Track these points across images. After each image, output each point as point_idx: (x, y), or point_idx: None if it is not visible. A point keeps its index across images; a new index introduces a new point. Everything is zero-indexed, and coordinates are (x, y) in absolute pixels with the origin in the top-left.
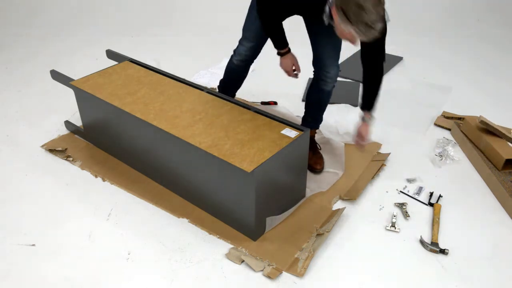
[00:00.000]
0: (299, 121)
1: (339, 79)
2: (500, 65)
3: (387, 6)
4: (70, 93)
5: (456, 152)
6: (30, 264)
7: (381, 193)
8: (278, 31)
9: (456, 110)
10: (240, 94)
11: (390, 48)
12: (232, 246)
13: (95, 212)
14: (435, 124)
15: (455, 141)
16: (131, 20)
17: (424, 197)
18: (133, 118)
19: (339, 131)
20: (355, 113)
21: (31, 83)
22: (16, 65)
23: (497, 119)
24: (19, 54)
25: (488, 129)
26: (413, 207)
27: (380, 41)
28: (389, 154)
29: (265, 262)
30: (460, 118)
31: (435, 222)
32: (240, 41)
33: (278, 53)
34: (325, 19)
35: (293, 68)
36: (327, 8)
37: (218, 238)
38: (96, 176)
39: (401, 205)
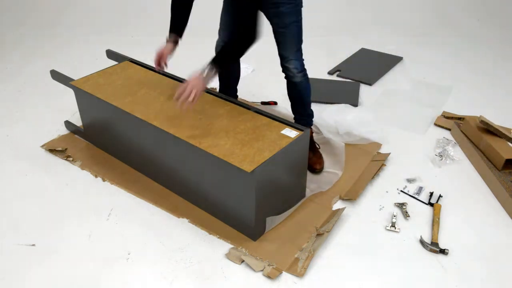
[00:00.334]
0: None
1: (339, 79)
2: (500, 65)
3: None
4: (70, 93)
5: (456, 152)
6: (30, 264)
7: (381, 193)
8: (182, 15)
9: (456, 110)
10: (240, 94)
11: (390, 48)
12: (232, 246)
13: (95, 212)
14: (435, 124)
15: (455, 141)
16: (131, 20)
17: (424, 197)
18: (133, 118)
19: (339, 131)
20: (355, 113)
21: (31, 83)
22: (16, 65)
23: (497, 119)
24: (20, 54)
25: (488, 129)
26: (413, 207)
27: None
28: (389, 154)
29: (265, 262)
30: (460, 118)
31: (435, 222)
32: (218, 33)
33: (166, 40)
34: None
35: (162, 60)
36: None
37: (218, 238)
38: (96, 176)
39: (401, 205)
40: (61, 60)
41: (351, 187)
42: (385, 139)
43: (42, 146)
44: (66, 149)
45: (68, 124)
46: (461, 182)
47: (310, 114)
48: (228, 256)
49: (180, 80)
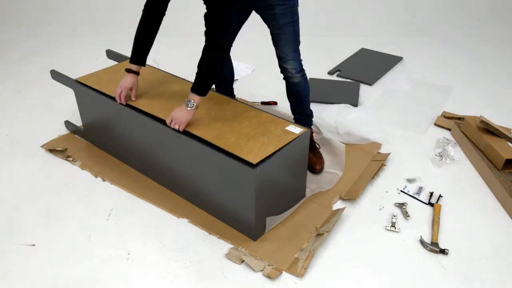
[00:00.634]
0: None
1: (339, 79)
2: (500, 65)
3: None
4: (70, 93)
5: (456, 152)
6: (30, 264)
7: (381, 193)
8: (148, 44)
9: (456, 110)
10: (240, 94)
11: (390, 48)
12: (232, 246)
13: (95, 212)
14: (435, 124)
15: (455, 141)
16: (131, 20)
17: (424, 197)
18: (136, 116)
19: (339, 131)
20: (355, 113)
21: (31, 83)
22: (16, 65)
23: (497, 119)
24: (20, 54)
25: (488, 129)
26: (413, 207)
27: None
28: (389, 154)
29: (265, 262)
30: (460, 118)
31: (435, 222)
32: None
33: (128, 69)
34: None
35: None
36: None
37: (218, 238)
38: (96, 176)
39: (401, 205)
40: (61, 60)
41: (351, 187)
42: (385, 139)
43: (42, 146)
44: (66, 149)
45: (68, 124)
46: (461, 182)
47: (310, 114)
48: (228, 256)
49: (183, 79)
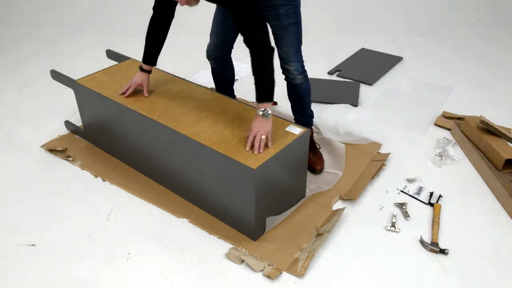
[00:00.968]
0: None
1: (339, 79)
2: (500, 65)
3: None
4: (70, 93)
5: (456, 152)
6: (30, 264)
7: (381, 193)
8: (158, 44)
9: (456, 110)
10: (240, 94)
11: (390, 48)
12: (232, 246)
13: (95, 212)
14: (435, 124)
15: (455, 141)
16: (131, 20)
17: (424, 197)
18: (138, 116)
19: (339, 131)
20: (355, 113)
21: (31, 83)
22: (16, 65)
23: (497, 119)
24: (19, 54)
25: (488, 129)
26: (413, 207)
27: (239, 8)
28: (389, 154)
29: (265, 262)
30: (460, 118)
31: (435, 222)
32: (210, 36)
33: (141, 67)
34: None
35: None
36: None
37: (218, 238)
38: (96, 176)
39: (401, 205)
40: (61, 60)
41: (351, 187)
42: (385, 139)
43: (42, 146)
44: (66, 149)
45: (68, 124)
46: (461, 182)
47: (310, 115)
48: (228, 256)
49: (183, 79)
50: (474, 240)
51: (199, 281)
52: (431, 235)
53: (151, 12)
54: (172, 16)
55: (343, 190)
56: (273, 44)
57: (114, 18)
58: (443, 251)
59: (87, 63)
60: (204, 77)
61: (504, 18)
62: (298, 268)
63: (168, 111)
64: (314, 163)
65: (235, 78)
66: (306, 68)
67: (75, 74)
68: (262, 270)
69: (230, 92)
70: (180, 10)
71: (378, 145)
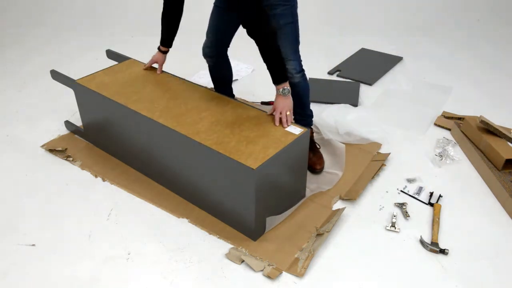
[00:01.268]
0: None
1: (339, 79)
2: (500, 65)
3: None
4: (70, 93)
5: (456, 152)
6: (30, 264)
7: (381, 193)
8: (173, 27)
9: (456, 110)
10: (240, 94)
11: (390, 48)
12: (232, 246)
13: (95, 212)
14: (435, 124)
15: (455, 141)
16: (131, 20)
17: (424, 197)
18: (138, 116)
19: (339, 131)
20: (355, 113)
21: (31, 83)
22: (16, 65)
23: (497, 119)
24: (19, 54)
25: (488, 129)
26: (413, 207)
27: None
28: (389, 154)
29: (265, 262)
30: (460, 118)
31: (435, 222)
32: (206, 35)
33: (158, 47)
34: None
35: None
36: None
37: (218, 238)
38: (96, 176)
39: (401, 205)
40: (61, 60)
41: (351, 187)
42: (385, 139)
43: (42, 146)
44: (66, 149)
45: (68, 124)
46: (461, 182)
47: (310, 115)
48: (228, 256)
49: (183, 79)
50: (474, 240)
51: (199, 281)
52: (431, 235)
53: (151, 13)
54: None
55: (343, 190)
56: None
57: (114, 18)
58: (443, 251)
59: (87, 63)
60: (204, 77)
61: (504, 18)
62: (298, 268)
63: (168, 111)
64: (314, 163)
65: (235, 78)
66: (306, 68)
67: (75, 74)
68: (262, 270)
69: (228, 91)
70: None
71: (378, 145)
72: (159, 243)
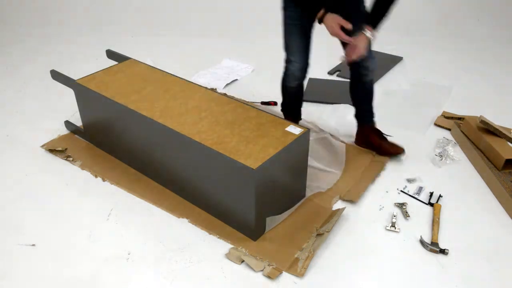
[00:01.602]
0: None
1: (339, 79)
2: (500, 64)
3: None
4: (70, 93)
5: (456, 152)
6: (30, 264)
7: (381, 193)
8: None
9: (456, 110)
10: (240, 94)
11: (390, 48)
12: (232, 246)
13: (95, 212)
14: (435, 124)
15: (455, 141)
16: (131, 20)
17: (424, 197)
18: (138, 116)
19: (339, 131)
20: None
21: (31, 83)
22: (16, 65)
23: (497, 119)
24: (19, 54)
25: (488, 129)
26: (413, 207)
27: None
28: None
29: (265, 262)
30: (460, 118)
31: (435, 222)
32: (288, 64)
33: (318, 20)
34: None
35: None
36: None
37: (218, 238)
38: (96, 176)
39: (401, 205)
40: (61, 60)
41: (352, 188)
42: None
43: (42, 146)
44: (66, 149)
45: (68, 124)
46: (461, 182)
47: (373, 111)
48: (228, 256)
49: (183, 79)
50: (474, 240)
51: (199, 281)
52: (431, 235)
53: (151, 12)
54: None
55: (343, 190)
56: None
57: (114, 18)
58: (443, 251)
59: (87, 63)
60: (204, 77)
61: (504, 18)
62: (298, 268)
63: (168, 111)
64: (389, 148)
65: (235, 78)
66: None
67: (75, 74)
68: (262, 270)
69: (297, 113)
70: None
71: None
72: (159, 243)
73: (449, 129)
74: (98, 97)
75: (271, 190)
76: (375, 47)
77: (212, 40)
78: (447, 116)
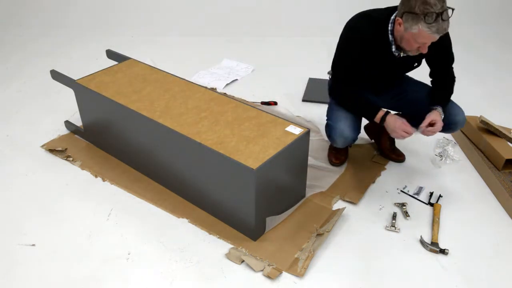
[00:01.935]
0: (299, 121)
1: None
2: (501, 64)
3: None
4: (70, 93)
5: (456, 152)
6: (30, 264)
7: (381, 193)
8: (366, 99)
9: None
10: (240, 94)
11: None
12: (232, 246)
13: (95, 212)
14: None
15: (455, 141)
16: (131, 20)
17: (424, 197)
18: (138, 116)
19: None
20: None
21: (31, 83)
22: (16, 65)
23: (497, 119)
24: (19, 54)
25: (488, 129)
26: (413, 207)
27: (446, 41)
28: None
29: (265, 262)
30: None
31: (435, 222)
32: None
33: (379, 122)
34: (394, 49)
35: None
36: (390, 37)
37: (218, 238)
38: (96, 176)
39: (401, 205)
40: (61, 60)
41: (352, 189)
42: None
43: (42, 146)
44: (66, 149)
45: (68, 124)
46: (461, 182)
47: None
48: (228, 256)
49: (183, 79)
50: (474, 240)
51: (199, 281)
52: (431, 235)
53: (151, 13)
54: None
55: (344, 190)
56: None
57: (114, 18)
58: (443, 251)
59: (87, 63)
60: (204, 77)
61: (505, 18)
62: (298, 268)
63: (168, 111)
64: (399, 155)
65: (235, 78)
66: (306, 68)
67: (75, 74)
68: (262, 270)
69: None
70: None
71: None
72: (159, 243)
73: None
74: (98, 97)
75: (271, 190)
76: None
77: (212, 40)
78: None
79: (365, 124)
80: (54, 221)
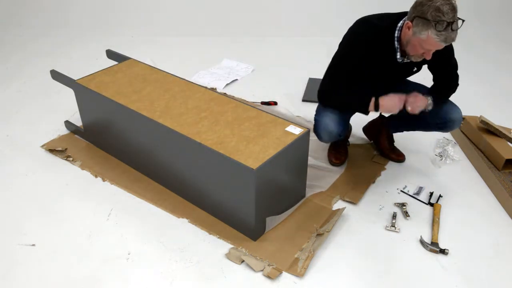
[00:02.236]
0: (299, 121)
1: None
2: (501, 64)
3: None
4: (70, 93)
5: (456, 152)
6: (30, 264)
7: (381, 193)
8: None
9: None
10: (240, 94)
11: None
12: (232, 246)
13: (95, 212)
14: None
15: (455, 141)
16: (131, 20)
17: (424, 197)
18: (138, 116)
19: None
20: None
21: (31, 83)
22: (16, 65)
23: (497, 119)
24: (20, 54)
25: (488, 129)
26: (413, 207)
27: (448, 47)
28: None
29: (265, 262)
30: None
31: (435, 222)
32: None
33: (375, 107)
34: (398, 57)
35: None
36: (396, 43)
37: (218, 238)
38: (96, 176)
39: (401, 205)
40: (61, 60)
41: (352, 189)
42: None
43: (42, 146)
44: (66, 149)
45: (68, 124)
46: (461, 182)
47: None
48: (228, 256)
49: (183, 79)
50: (474, 240)
51: (199, 281)
52: (431, 235)
53: (151, 13)
54: None
55: (344, 190)
56: None
57: (114, 18)
58: (443, 251)
59: (87, 63)
60: (204, 77)
61: (505, 18)
62: (298, 268)
63: (168, 111)
64: (399, 155)
65: (235, 78)
66: (306, 68)
67: (75, 74)
68: (262, 270)
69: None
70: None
71: None
72: (159, 243)
73: None
74: (98, 97)
75: (271, 190)
76: None
77: (212, 40)
78: None
79: (363, 126)
80: (54, 221)
